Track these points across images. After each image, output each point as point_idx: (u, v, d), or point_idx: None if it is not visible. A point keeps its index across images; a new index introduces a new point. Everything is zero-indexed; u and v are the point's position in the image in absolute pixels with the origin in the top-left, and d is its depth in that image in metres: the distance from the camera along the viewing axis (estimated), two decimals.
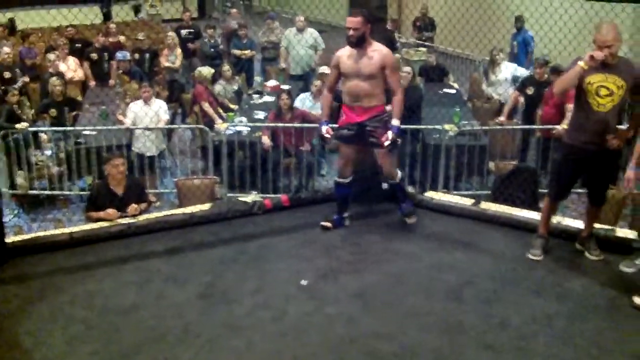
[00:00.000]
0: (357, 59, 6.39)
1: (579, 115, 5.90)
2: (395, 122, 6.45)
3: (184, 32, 14.23)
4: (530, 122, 10.02)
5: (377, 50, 6.41)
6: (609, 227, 6.67)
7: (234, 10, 15.63)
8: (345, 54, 6.49)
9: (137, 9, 17.08)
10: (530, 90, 10.04)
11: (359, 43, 6.35)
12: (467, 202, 7.35)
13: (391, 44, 10.27)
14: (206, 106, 10.35)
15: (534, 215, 6.82)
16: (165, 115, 9.77)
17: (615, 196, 7.18)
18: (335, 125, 6.79)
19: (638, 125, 6.24)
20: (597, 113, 5.74)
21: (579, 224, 6.56)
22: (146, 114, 9.46)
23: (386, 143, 6.42)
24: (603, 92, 5.69)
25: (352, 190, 6.89)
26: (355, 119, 6.52)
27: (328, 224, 6.88)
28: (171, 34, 13.60)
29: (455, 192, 8.37)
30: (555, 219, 6.63)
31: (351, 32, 6.31)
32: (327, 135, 6.63)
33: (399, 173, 6.93)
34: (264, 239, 6.74)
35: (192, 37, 14.18)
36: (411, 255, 6.39)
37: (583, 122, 5.84)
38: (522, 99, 10.30)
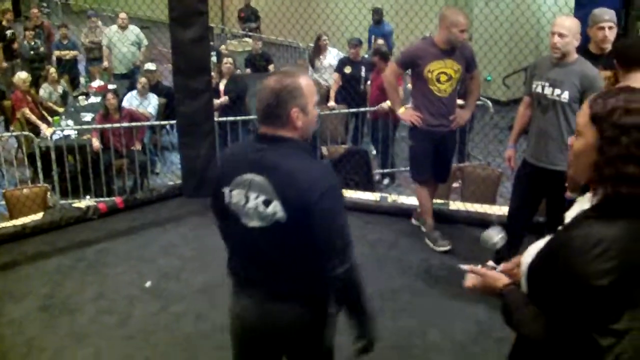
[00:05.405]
0: None
1: (423, 102, 6.09)
2: None
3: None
4: (353, 100, 10.14)
5: None
6: (442, 201, 6.93)
7: (33, 11, 14.94)
8: None
9: None
10: (347, 69, 10.36)
11: None
12: None
13: None
14: (27, 112, 9.99)
15: (369, 196, 6.98)
16: None
17: None
18: None
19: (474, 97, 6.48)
20: (440, 98, 6.00)
21: (414, 201, 6.77)
22: None
23: None
24: (443, 78, 5.95)
25: None
26: None
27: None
28: None
29: None
30: (391, 198, 6.82)
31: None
32: None
33: None
34: (101, 243, 6.60)
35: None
36: None
37: (429, 108, 6.06)
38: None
